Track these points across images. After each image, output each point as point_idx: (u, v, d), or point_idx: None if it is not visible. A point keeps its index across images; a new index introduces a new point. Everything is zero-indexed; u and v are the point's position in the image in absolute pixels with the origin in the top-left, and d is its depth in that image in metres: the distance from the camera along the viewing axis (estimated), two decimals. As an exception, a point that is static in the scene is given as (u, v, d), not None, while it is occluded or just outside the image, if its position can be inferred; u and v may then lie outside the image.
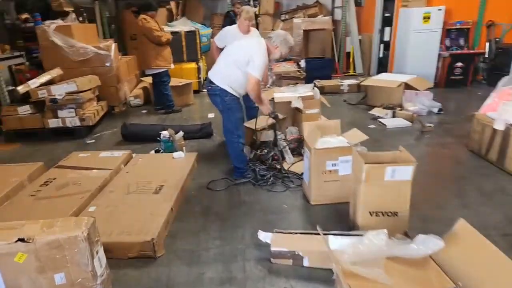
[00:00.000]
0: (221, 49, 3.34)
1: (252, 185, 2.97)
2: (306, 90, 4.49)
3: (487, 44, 6.48)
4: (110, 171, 2.91)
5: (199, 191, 2.91)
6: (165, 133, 3.73)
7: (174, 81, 5.63)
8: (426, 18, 6.11)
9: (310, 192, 2.62)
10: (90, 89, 4.64)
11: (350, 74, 7.86)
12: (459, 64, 6.29)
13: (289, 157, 3.37)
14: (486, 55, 6.44)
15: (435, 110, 4.86)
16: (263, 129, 3.49)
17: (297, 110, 3.85)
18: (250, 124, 3.46)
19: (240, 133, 2.93)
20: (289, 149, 3.44)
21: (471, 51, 6.48)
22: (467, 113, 4.85)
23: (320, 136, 2.59)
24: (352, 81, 6.43)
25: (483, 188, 2.82)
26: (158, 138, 3.74)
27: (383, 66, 7.55)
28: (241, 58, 2.75)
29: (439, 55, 6.32)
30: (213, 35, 7.66)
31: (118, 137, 4.20)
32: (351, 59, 7.89)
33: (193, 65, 6.48)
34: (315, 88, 3.93)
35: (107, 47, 5.11)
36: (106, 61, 5.15)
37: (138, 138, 4.11)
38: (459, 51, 6.40)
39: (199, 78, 6.54)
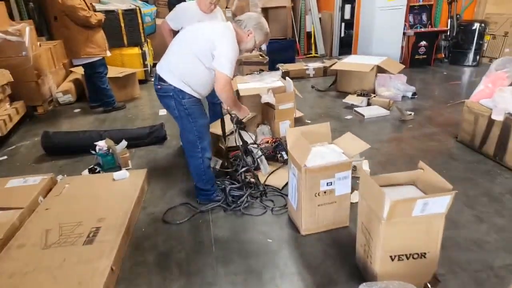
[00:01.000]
0: (176, 32, 2.57)
1: (223, 211, 2.32)
2: (273, 78, 3.87)
3: (449, 21, 6.28)
4: (21, 210, 2.07)
5: (153, 227, 2.19)
6: (101, 145, 2.91)
7: (113, 71, 4.68)
8: (392, -6, 5.70)
9: (300, 219, 2.04)
10: (-2, 88, 3.59)
11: (312, 55, 7.34)
12: (423, 43, 6.02)
13: (264, 167, 2.75)
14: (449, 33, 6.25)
15: (409, 94, 4.51)
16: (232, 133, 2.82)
17: (268, 105, 3.22)
18: (215, 128, 2.77)
19: (205, 145, 2.24)
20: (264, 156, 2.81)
21: (435, 29, 6.24)
22: (437, 94, 4.57)
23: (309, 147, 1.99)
24: (318, 64, 5.90)
25: (491, 191, 2.44)
26: (93, 152, 2.91)
27: (345, 46, 7.13)
28: (203, 47, 2.04)
29: (404, 34, 5.99)
30: (158, 14, 6.68)
31: (40, 149, 3.27)
32: (312, 40, 7.35)
33: (136, 50, 5.51)
34: (288, 78, 3.30)
35: (19, 31, 4.01)
36: (20, 49, 4.07)
37: (67, 150, 3.22)
38: (423, 29, 6.12)
39: (144, 65, 5.60)
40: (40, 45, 4.63)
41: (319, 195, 1.97)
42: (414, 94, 4.51)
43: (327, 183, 1.95)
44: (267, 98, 3.14)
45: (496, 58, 6.08)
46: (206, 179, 2.31)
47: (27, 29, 4.15)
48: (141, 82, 5.40)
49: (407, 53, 6.07)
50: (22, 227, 1.98)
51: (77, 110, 4.59)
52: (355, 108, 4.12)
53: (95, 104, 4.55)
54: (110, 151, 2.91)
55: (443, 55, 6.51)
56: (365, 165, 2.64)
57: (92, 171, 2.80)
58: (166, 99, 2.13)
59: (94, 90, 4.42)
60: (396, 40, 5.95)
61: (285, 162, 2.84)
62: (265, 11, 6.41)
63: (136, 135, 3.39)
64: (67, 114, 4.44)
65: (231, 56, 2.01)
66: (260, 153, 2.75)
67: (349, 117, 3.97)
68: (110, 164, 2.94)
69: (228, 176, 2.61)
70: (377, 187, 1.47)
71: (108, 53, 4.31)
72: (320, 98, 4.74)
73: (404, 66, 4.78)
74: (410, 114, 3.80)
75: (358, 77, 4.66)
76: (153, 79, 2.73)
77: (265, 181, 2.62)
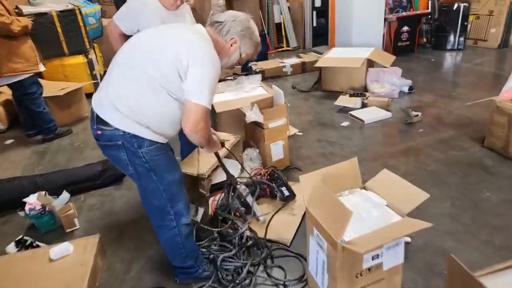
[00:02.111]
0: (128, 37, 1.73)
1: (215, 295, 1.62)
2: (253, 85, 3.17)
3: (430, 3, 5.84)
4: None
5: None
6: (33, 202, 2.09)
7: (51, 88, 3.77)
8: (370, -25, 5.12)
9: (333, 309, 1.38)
10: None
11: (284, 49, 6.68)
12: (406, 28, 5.54)
13: (259, 213, 2.06)
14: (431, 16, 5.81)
15: (406, 89, 3.98)
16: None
17: (255, 123, 2.53)
18: (189, 166, 2.04)
19: (179, 209, 1.51)
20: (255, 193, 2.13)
21: (417, 13, 5.77)
22: (435, 86, 4.08)
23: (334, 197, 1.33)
24: (295, 60, 5.26)
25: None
26: (21, 213, 2.09)
27: (319, 37, 6.53)
28: (166, 67, 1.31)
29: (385, 19, 5.46)
30: (104, 14, 5.68)
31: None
32: (282, 32, 6.68)
33: (80, 58, 4.56)
34: (275, 87, 2.61)
35: None
36: None
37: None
38: (404, 14, 5.63)
39: (93, 76, 4.68)
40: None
41: (361, 275, 1.32)
42: (410, 88, 3.98)
43: (373, 257, 1.31)
44: (253, 115, 2.44)
45: (482, 40, 5.79)
46: (185, 253, 1.59)
47: None
48: (90, 95, 4.49)
49: (389, 41, 5.56)
50: None
51: (9, 142, 3.64)
52: (351, 112, 3.52)
53: (32, 131, 3.63)
54: (47, 209, 2.11)
55: (425, 40, 6.10)
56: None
57: (21, 244, 1.97)
58: (113, 150, 1.38)
59: (29, 115, 3.51)
60: (378, 27, 5.39)
61: (285, 200, 2.18)
62: (229, 2, 5.66)
63: (85, 177, 2.58)
64: (-5, 148, 3.50)
65: (211, 78, 1.30)
66: (248, 194, 2.06)
67: (345, 123, 3.36)
68: (49, 226, 2.14)
69: (216, 233, 1.90)
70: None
71: (42, 67, 3.40)
72: (305, 101, 4.10)
73: (395, 57, 4.24)
74: (417, 115, 3.25)
75: (345, 73, 4.07)
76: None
77: (265, 234, 1.94)
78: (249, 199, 2.06)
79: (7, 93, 4.00)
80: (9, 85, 3.28)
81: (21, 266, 1.78)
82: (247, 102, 2.65)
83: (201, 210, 2.08)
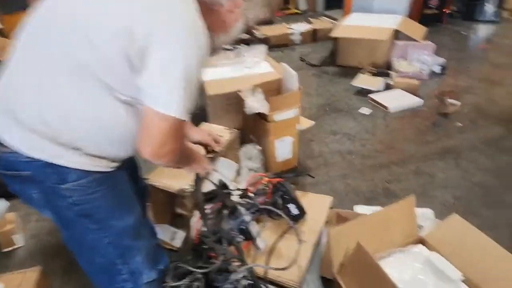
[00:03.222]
0: None
1: None
2: (256, 58, 2.56)
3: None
4: None
5: None
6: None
7: None
8: None
9: None
10: None
11: (291, 12, 5.90)
12: (436, -7, 4.77)
13: (260, 240, 1.54)
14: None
15: (438, 69, 3.34)
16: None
17: (258, 114, 1.96)
18: (163, 178, 1.49)
19: (137, 265, 0.97)
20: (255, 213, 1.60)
21: (450, -26, 4.96)
22: (471, 68, 3.45)
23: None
24: (305, 26, 4.54)
25: None
26: None
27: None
28: (105, 45, 0.73)
29: (412, -19, 4.67)
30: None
31: None
32: (291, -9, 5.87)
33: None
34: (285, 65, 1.99)
35: None
36: None
37: None
38: (435, -25, 4.83)
39: None
40: None
41: None
42: (443, 68, 3.35)
43: None
44: (255, 104, 1.86)
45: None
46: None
47: None
48: None
49: (416, 7, 4.80)
50: None
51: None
52: (371, 95, 2.91)
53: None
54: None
55: (455, 8, 5.33)
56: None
57: None
58: (16, 184, 0.83)
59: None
60: (403, -10, 4.63)
61: (294, 219, 1.66)
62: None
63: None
64: None
65: (189, 69, 0.74)
66: (251, 221, 1.53)
67: (366, 110, 2.77)
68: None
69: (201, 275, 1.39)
70: None
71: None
72: (316, 78, 3.48)
73: (426, 29, 3.56)
74: (454, 105, 2.67)
75: (366, 46, 3.41)
76: None
77: (265, 273, 1.44)
78: (253, 228, 1.53)
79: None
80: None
81: None
82: (248, 83, 2.06)
83: (180, 234, 1.56)
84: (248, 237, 1.51)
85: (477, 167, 2.06)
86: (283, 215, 1.59)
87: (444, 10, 4.95)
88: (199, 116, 2.69)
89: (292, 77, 1.91)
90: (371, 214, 1.01)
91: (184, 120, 0.78)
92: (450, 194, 1.86)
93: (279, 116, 1.90)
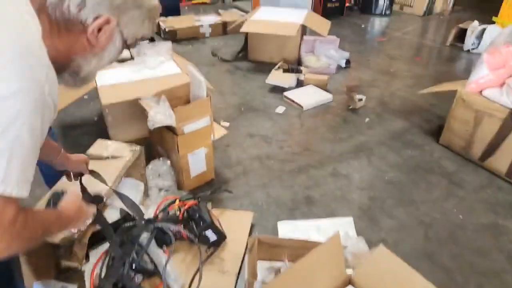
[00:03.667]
0: None
1: None
2: (161, 57, 2.28)
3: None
4: None
5: None
6: None
7: None
8: None
9: None
10: None
11: (199, 1, 5.59)
12: (336, -13, 4.97)
13: (172, 279, 1.33)
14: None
15: (343, 63, 3.46)
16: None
17: (165, 127, 1.71)
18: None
19: None
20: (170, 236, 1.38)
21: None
22: (372, 60, 3.67)
23: None
24: (214, 18, 4.30)
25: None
26: None
27: (240, -11, 5.59)
28: None
29: (315, -26, 4.77)
30: None
31: None
32: (196, -20, 5.54)
33: None
34: (191, 68, 1.75)
35: None
36: None
37: None
38: (335, -31, 5.01)
39: None
40: None
41: None
42: (347, 62, 3.48)
43: None
44: (159, 116, 1.59)
45: (408, 6, 5.54)
46: None
47: None
48: None
49: (319, 1, 4.94)
50: None
51: None
52: (286, 93, 2.86)
53: None
54: None
55: (352, 2, 5.66)
56: (361, 241, 1.48)
57: None
58: None
59: None
60: (307, -17, 4.70)
61: (212, 245, 1.48)
62: None
63: None
64: None
65: (24, 129, 0.52)
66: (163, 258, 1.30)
67: (281, 109, 2.70)
68: None
69: None
70: None
71: None
72: (231, 75, 3.31)
73: (330, 23, 3.64)
74: (361, 100, 2.76)
75: (276, 41, 3.35)
76: None
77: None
78: (161, 259, 1.31)
79: None
80: None
81: None
82: (151, 90, 1.79)
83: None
84: (147, 272, 1.30)
85: (387, 163, 2.14)
86: (198, 244, 1.40)
87: (344, 3, 5.20)
88: (96, 127, 2.31)
89: (199, 83, 1.69)
90: (298, 262, 0.88)
91: (19, 199, 0.52)
92: (366, 195, 1.88)
93: (189, 127, 1.67)
